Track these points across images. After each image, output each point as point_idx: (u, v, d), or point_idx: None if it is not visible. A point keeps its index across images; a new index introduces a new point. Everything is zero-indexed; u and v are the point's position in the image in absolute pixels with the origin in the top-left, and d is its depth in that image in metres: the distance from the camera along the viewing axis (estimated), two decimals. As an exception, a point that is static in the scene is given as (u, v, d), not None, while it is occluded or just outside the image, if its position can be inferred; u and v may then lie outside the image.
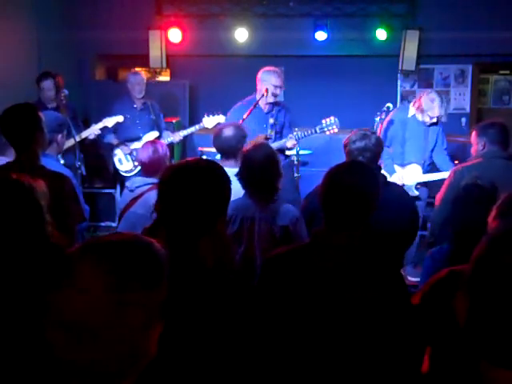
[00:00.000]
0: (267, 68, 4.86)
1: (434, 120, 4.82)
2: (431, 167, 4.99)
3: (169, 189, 1.72)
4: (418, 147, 4.85)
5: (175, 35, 7.05)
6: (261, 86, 4.78)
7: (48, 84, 5.04)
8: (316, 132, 4.69)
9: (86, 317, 0.98)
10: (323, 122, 4.67)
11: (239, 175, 2.90)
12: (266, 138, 4.82)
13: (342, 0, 6.90)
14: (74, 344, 0.98)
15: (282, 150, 4.80)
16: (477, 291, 1.03)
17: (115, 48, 7.21)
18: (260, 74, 4.82)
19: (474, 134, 3.71)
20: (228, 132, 3.45)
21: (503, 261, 1.00)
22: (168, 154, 3.63)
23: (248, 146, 3.00)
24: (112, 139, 5.61)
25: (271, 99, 4.78)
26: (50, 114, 3.53)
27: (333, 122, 4.64)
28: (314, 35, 6.93)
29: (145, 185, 3.38)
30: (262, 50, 7.11)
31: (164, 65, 7.25)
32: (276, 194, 2.92)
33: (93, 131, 5.10)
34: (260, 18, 7.03)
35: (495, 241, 1.05)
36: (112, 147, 5.70)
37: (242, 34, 6.99)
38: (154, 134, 5.53)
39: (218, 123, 5.20)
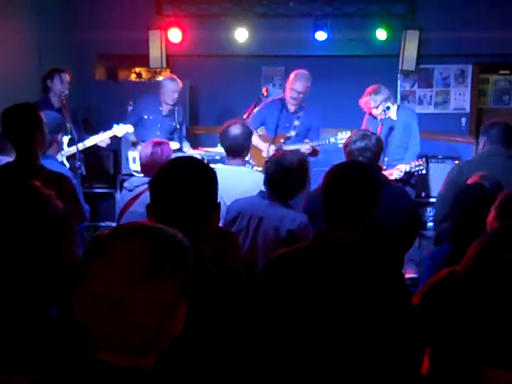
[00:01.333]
0: (299, 71, 4.99)
1: (376, 112, 4.73)
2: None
3: (158, 186, 1.73)
4: None
5: (175, 35, 7.04)
6: (287, 86, 4.97)
7: (67, 78, 4.97)
8: (329, 142, 4.80)
9: (116, 289, 1.03)
10: (339, 134, 4.78)
11: (266, 172, 2.91)
12: (286, 138, 4.87)
13: (342, 0, 6.89)
14: (102, 314, 1.04)
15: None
16: (467, 292, 1.03)
17: (115, 48, 7.20)
18: (290, 76, 4.98)
19: (480, 132, 3.76)
20: (235, 130, 3.40)
21: (494, 263, 0.99)
22: (171, 157, 3.55)
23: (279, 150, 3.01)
24: (130, 135, 5.44)
25: (292, 102, 4.94)
26: (50, 115, 3.53)
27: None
28: (314, 35, 6.92)
29: (143, 184, 3.37)
30: (262, 50, 7.11)
31: (164, 65, 7.24)
32: (292, 199, 2.94)
33: (101, 139, 4.92)
34: (260, 18, 7.02)
35: (488, 242, 1.04)
36: (128, 143, 5.62)
37: (241, 34, 6.98)
38: (173, 146, 5.40)
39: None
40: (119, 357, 1.05)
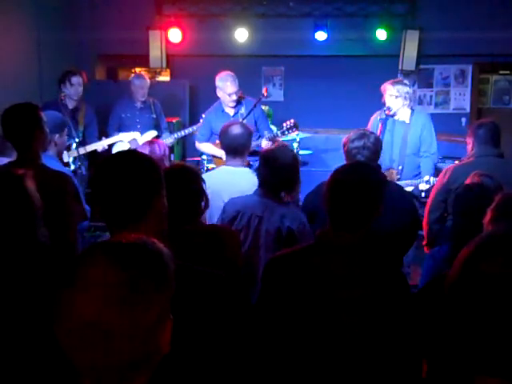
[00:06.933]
0: (222, 74, 4.82)
1: (387, 100, 4.42)
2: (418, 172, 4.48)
3: (98, 180, 1.65)
4: (393, 150, 4.40)
5: (175, 35, 7.05)
6: (218, 93, 4.82)
7: (77, 80, 5.00)
8: (278, 135, 4.62)
9: (96, 316, 0.98)
10: (284, 124, 4.64)
11: (258, 172, 2.89)
12: None
13: (342, 0, 6.91)
14: (85, 344, 0.99)
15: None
16: (457, 299, 1.02)
17: (115, 48, 7.21)
18: (216, 81, 4.80)
19: (468, 133, 3.72)
20: (236, 130, 3.39)
21: (485, 269, 0.99)
22: (167, 154, 3.59)
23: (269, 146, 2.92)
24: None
25: (231, 104, 4.80)
26: (50, 115, 3.53)
27: (293, 125, 4.59)
28: (314, 35, 6.94)
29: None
30: (262, 50, 7.12)
31: (164, 65, 7.25)
32: (290, 195, 2.91)
33: (103, 145, 5.06)
34: (260, 18, 7.03)
35: (477, 248, 1.03)
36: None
37: (242, 34, 6.99)
38: (152, 134, 5.52)
39: None
40: None
